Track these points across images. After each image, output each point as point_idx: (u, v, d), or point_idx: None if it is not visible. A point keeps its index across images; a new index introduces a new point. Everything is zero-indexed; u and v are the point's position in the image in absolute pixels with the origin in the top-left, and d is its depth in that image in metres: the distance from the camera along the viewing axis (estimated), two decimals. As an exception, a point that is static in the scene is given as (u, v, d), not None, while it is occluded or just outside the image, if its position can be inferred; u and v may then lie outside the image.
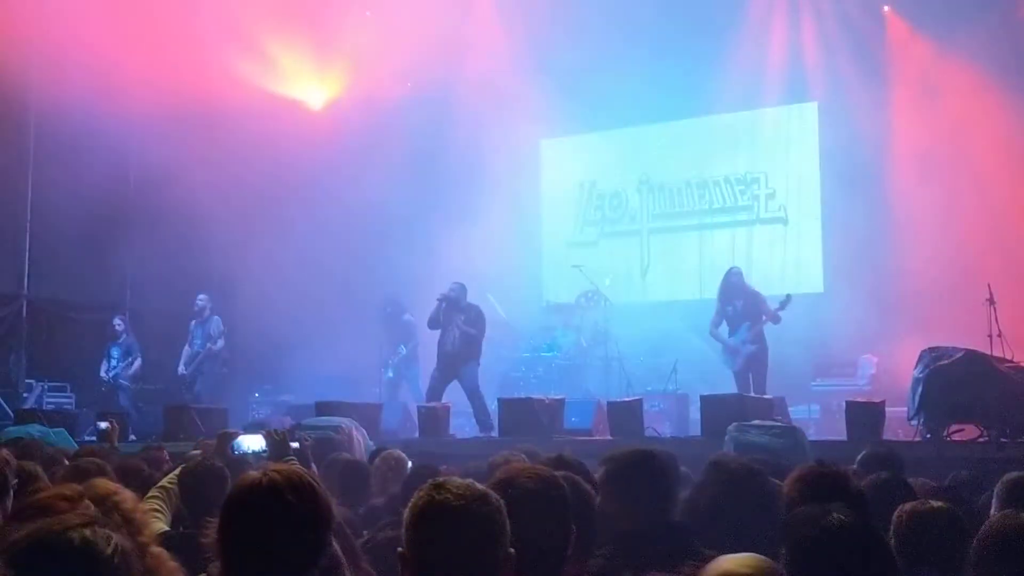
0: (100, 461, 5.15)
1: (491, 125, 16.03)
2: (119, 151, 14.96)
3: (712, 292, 13.32)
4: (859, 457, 5.68)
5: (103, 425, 8.45)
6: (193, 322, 14.16)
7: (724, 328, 12.13)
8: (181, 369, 14.07)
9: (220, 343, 14.02)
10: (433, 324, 12.22)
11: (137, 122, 14.31)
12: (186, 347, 14.15)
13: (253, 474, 2.59)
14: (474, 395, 11.96)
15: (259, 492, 2.51)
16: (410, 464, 6.41)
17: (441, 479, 2.47)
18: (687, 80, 15.20)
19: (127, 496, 3.37)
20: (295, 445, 5.77)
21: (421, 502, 2.41)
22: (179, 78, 13.64)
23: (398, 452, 7.15)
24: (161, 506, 4.55)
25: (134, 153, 15.49)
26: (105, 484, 3.49)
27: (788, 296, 11.92)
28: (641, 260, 16.72)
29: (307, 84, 16.64)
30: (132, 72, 13.32)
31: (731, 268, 12.60)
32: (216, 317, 14.09)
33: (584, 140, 17.28)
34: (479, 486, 2.46)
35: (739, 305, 12.00)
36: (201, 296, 14.11)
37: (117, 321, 14.33)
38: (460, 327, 12.02)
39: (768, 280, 13.95)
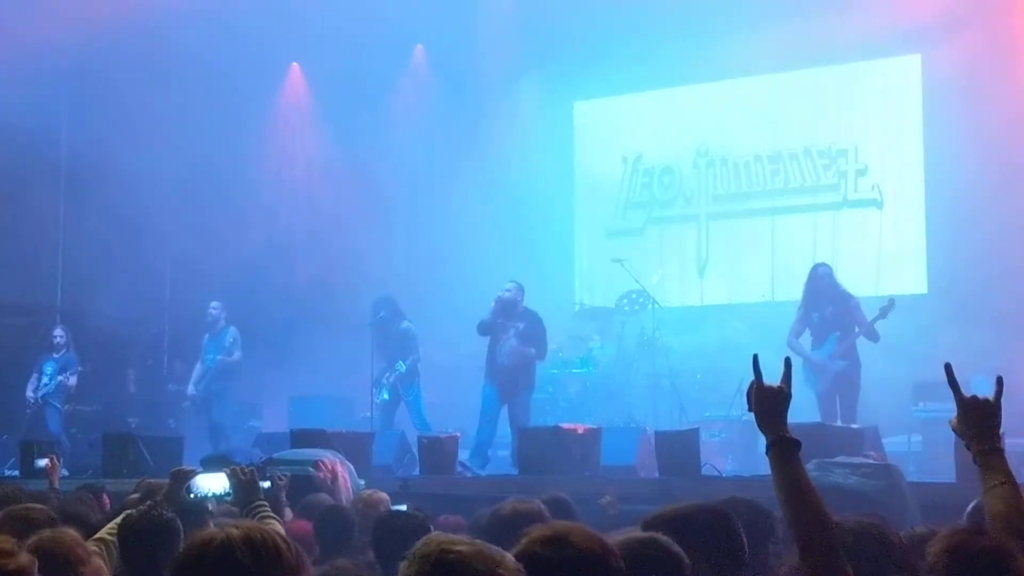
0: (44, 507, 5.19)
1: (510, 82, 16.03)
2: (48, 111, 15.24)
3: (786, 293, 13.28)
4: (971, 506, 5.63)
5: (42, 463, 8.54)
6: (206, 336, 14.69)
7: (807, 338, 12.11)
8: (190, 390, 14.63)
9: (237, 355, 14.49)
10: (484, 329, 12.44)
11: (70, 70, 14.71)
12: (197, 364, 14.71)
13: (209, 531, 2.61)
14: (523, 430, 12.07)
15: (211, 554, 2.53)
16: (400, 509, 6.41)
17: (445, 541, 2.46)
18: (756, 27, 15.12)
19: (98, 564, 3.41)
20: (266, 485, 5.78)
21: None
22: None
23: (370, 492, 7.18)
24: (100, 566, 4.57)
25: (66, 113, 15.74)
26: (73, 540, 3.51)
27: (891, 300, 11.87)
28: (698, 253, 16.69)
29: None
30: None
31: (819, 265, 12.61)
32: (231, 328, 14.56)
33: (628, 102, 17.25)
34: (497, 553, 2.47)
35: (828, 312, 11.98)
36: (214, 304, 14.62)
37: (58, 332, 14.55)
38: (516, 338, 12.20)
39: (858, 278, 13.89)
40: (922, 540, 4.09)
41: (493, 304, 12.41)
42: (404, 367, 13.66)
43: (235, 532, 2.57)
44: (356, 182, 16.45)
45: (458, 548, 2.45)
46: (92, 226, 15.58)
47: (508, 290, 12.49)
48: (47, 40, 14.39)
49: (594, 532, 2.99)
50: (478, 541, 2.52)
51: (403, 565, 2.47)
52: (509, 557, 2.50)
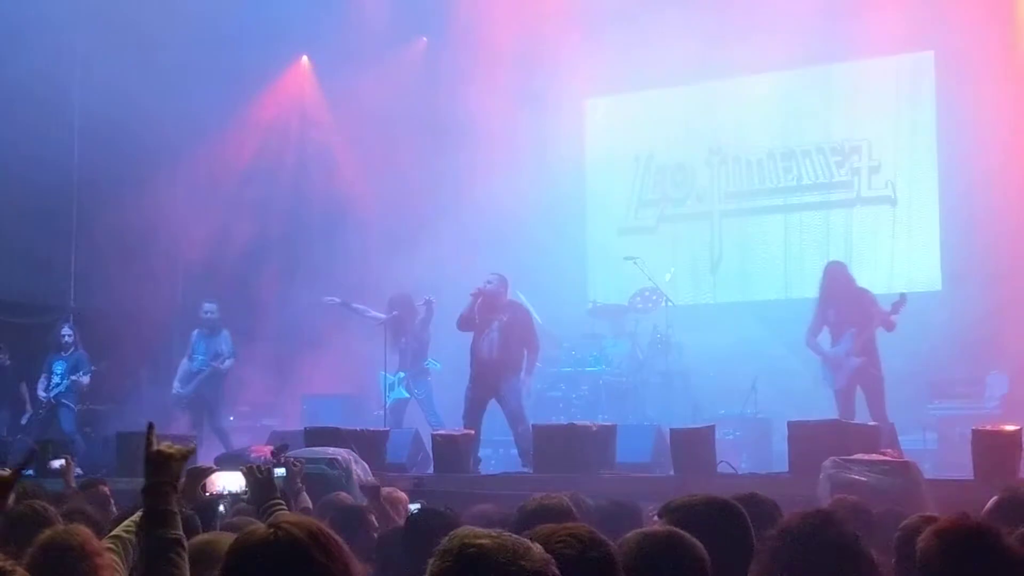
0: (45, 504, 5.20)
1: (522, 79, 16.01)
2: (60, 107, 15.29)
3: (800, 290, 13.23)
4: (991, 502, 5.60)
5: (57, 464, 8.57)
6: (195, 332, 14.49)
7: (825, 336, 12.08)
8: (176, 388, 14.33)
9: (229, 363, 14.27)
10: (465, 324, 12.30)
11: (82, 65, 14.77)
12: (184, 360, 14.45)
13: (260, 528, 2.60)
14: (517, 419, 11.98)
15: (274, 551, 2.53)
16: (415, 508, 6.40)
17: (468, 535, 2.45)
18: (769, 24, 15.08)
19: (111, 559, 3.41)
20: (280, 472, 5.73)
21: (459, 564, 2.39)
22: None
23: (388, 491, 7.17)
24: (116, 562, 4.55)
25: (79, 110, 15.78)
26: (87, 534, 3.51)
27: (902, 296, 11.86)
28: (711, 250, 16.66)
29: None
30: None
31: (833, 262, 12.63)
32: (225, 331, 14.39)
33: (640, 99, 17.22)
34: (521, 546, 2.45)
35: (844, 308, 11.96)
36: (208, 305, 14.42)
37: (66, 331, 14.49)
38: (500, 329, 12.06)
39: (872, 276, 13.86)
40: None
41: (472, 297, 12.22)
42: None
43: (295, 530, 2.58)
44: (362, 181, 16.40)
45: (480, 542, 2.44)
46: (104, 226, 15.58)
47: (489, 282, 12.28)
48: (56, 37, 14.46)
49: (587, 528, 2.96)
50: (504, 533, 2.50)
51: (431, 562, 2.47)
52: (536, 548, 2.48)
